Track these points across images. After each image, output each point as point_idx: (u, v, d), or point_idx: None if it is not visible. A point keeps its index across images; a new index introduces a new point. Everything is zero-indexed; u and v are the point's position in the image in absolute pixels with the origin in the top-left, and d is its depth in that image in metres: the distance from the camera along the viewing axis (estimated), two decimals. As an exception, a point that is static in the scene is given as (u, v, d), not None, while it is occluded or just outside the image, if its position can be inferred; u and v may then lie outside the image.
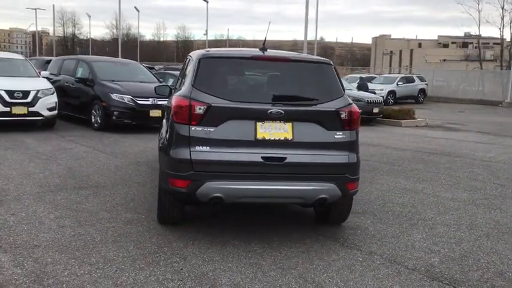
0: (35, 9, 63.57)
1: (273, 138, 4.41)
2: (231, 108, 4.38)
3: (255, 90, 4.62)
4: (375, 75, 34.90)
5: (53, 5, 62.57)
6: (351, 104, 4.72)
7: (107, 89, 11.85)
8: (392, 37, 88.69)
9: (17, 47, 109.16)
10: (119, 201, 5.86)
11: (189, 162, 4.34)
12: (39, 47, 79.09)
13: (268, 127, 4.42)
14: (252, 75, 4.80)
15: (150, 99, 11.56)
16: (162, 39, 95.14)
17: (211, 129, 4.35)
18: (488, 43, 68.18)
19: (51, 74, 14.09)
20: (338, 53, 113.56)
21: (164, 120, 5.45)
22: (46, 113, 11.34)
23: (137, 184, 6.74)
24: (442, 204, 6.46)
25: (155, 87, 6.70)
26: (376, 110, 17.21)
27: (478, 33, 41.66)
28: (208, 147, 4.35)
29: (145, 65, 23.51)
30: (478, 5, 47.23)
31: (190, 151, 4.35)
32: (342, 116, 4.57)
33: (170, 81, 13.67)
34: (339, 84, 4.79)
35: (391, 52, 78.91)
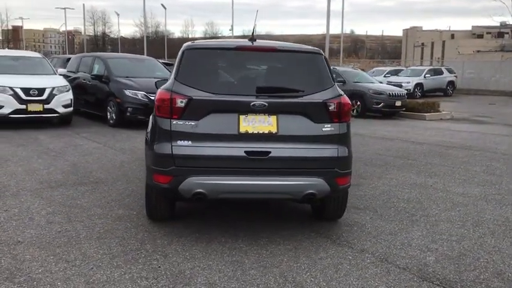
0: (64, 8, 64.85)
1: (256, 132, 4.25)
2: (213, 101, 4.24)
3: (239, 82, 4.46)
4: (402, 68, 34.12)
5: (83, 4, 63.61)
6: (341, 95, 4.51)
7: (121, 85, 11.88)
8: (424, 29, 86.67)
9: (50, 46, 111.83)
10: (115, 197, 5.81)
11: (170, 157, 4.23)
12: (70, 46, 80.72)
13: (252, 120, 4.26)
14: (237, 66, 4.62)
15: None
16: (190, 36, 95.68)
17: (192, 123, 4.22)
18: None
19: (69, 71, 14.29)
20: (368, 46, 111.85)
21: (151, 116, 5.36)
22: (61, 110, 11.45)
23: (138, 180, 6.68)
24: (450, 200, 6.17)
25: (156, 82, 6.63)
26: (398, 103, 16.76)
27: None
28: (190, 142, 4.23)
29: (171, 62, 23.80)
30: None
31: (171, 146, 4.24)
32: (330, 107, 4.36)
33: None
34: (329, 74, 4.58)
35: (423, 44, 77.11)
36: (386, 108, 16.65)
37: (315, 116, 4.33)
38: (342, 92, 4.60)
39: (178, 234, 4.62)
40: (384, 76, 29.83)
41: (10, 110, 10.81)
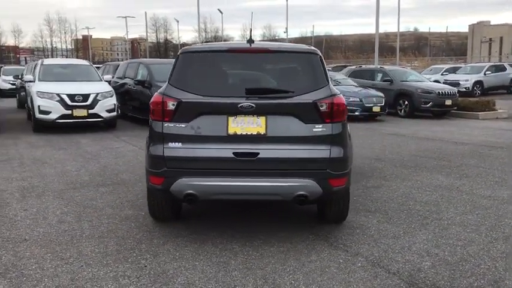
0: (125, 17, 67.53)
1: (245, 133, 4.25)
2: (202, 103, 4.29)
3: (229, 84, 4.48)
4: (461, 66, 32.65)
5: (145, 13, 66.10)
6: (335, 95, 4.41)
7: None
8: (492, 23, 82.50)
9: (117, 54, 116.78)
10: (130, 198, 6.00)
11: (162, 159, 4.32)
12: (135, 53, 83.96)
13: (241, 121, 4.27)
14: (229, 68, 4.64)
15: None
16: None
17: (182, 125, 4.30)
18: None
19: (117, 77, 14.88)
20: (432, 44, 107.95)
21: None
22: (105, 114, 11.95)
23: (158, 181, 6.84)
24: (473, 203, 5.86)
25: None
26: (448, 102, 16.07)
27: None
28: (180, 144, 4.30)
29: None
30: None
31: (163, 148, 4.33)
32: (321, 108, 4.29)
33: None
34: (323, 74, 4.49)
35: (490, 39, 73.46)
36: (436, 108, 16.02)
37: (305, 116, 4.28)
38: (337, 92, 4.50)
39: (176, 234, 4.71)
40: (442, 74, 28.74)
41: (57, 116, 11.43)
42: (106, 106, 11.99)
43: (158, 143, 4.37)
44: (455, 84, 25.33)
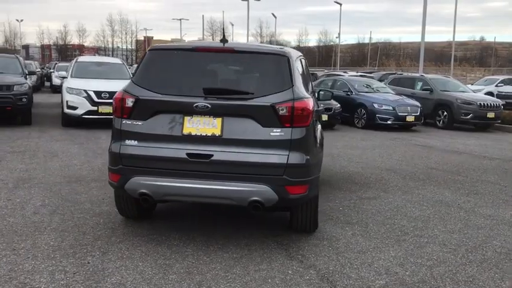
0: (180, 19, 68.90)
1: (199, 134, 4.14)
2: (159, 101, 4.22)
3: (189, 83, 4.36)
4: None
5: (202, 16, 67.31)
6: (298, 98, 4.20)
7: None
8: None
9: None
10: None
11: (118, 156, 4.30)
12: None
13: (197, 122, 4.16)
14: (192, 67, 4.51)
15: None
16: (303, 44, 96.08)
17: (139, 123, 4.25)
18: None
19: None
20: (498, 54, 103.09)
21: None
22: (130, 112, 12.15)
23: (152, 180, 6.85)
24: (466, 221, 5.46)
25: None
26: (491, 115, 15.23)
27: None
28: (136, 141, 4.25)
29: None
30: None
31: (120, 145, 4.30)
32: (280, 111, 4.10)
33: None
34: (288, 77, 4.30)
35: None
36: (476, 120, 15.22)
37: (264, 119, 4.11)
38: (303, 96, 4.30)
39: (138, 233, 4.66)
40: (496, 85, 27.31)
41: (83, 111, 11.77)
42: (132, 104, 12.18)
43: (117, 139, 4.35)
44: (510, 96, 24.07)
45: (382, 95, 15.28)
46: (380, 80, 20.38)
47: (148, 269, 3.88)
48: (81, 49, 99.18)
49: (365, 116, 14.66)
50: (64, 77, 13.22)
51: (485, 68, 67.26)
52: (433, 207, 6.03)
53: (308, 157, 4.27)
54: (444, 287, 3.74)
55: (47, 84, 31.75)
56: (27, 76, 13.12)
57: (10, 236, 4.47)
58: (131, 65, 36.54)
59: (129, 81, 4.50)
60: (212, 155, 4.10)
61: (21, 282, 3.57)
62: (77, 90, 11.85)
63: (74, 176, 6.95)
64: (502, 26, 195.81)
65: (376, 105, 14.48)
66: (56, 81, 25.35)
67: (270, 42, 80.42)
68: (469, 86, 22.12)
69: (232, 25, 73.07)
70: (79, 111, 11.77)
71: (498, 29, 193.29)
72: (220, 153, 4.10)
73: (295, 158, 4.15)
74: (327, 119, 13.73)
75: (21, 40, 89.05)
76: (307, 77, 5.50)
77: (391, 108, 14.40)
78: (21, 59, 14.45)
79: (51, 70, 31.52)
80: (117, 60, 15.02)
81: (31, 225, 4.78)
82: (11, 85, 11.76)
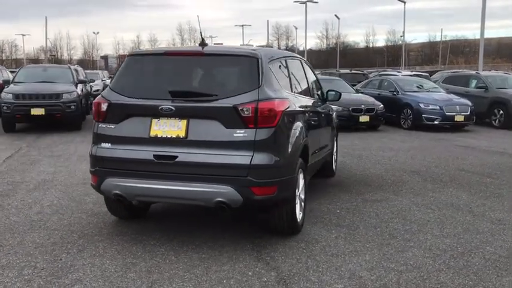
0: (242, 26, 69.80)
1: (165, 136, 4.23)
2: (128, 104, 4.36)
3: (158, 87, 4.44)
4: None
5: (267, 21, 67.96)
6: (264, 99, 4.17)
7: None
8: None
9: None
10: (121, 196, 6.26)
11: (95, 158, 4.49)
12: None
13: (163, 124, 4.25)
14: (163, 71, 4.59)
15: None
16: (371, 45, 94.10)
17: (112, 126, 4.41)
18: None
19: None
20: None
21: None
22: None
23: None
24: (468, 226, 5.15)
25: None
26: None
27: None
28: (109, 144, 4.42)
29: (356, 71, 23.72)
30: None
31: (97, 147, 4.49)
32: (242, 112, 4.09)
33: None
34: (256, 78, 4.27)
35: None
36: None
37: (227, 121, 4.12)
38: (272, 96, 4.26)
39: (122, 232, 4.82)
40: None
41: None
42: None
43: (94, 143, 4.55)
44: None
45: (430, 95, 14.66)
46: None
47: (113, 267, 4.01)
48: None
49: (411, 116, 14.13)
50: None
51: None
52: (440, 210, 5.73)
53: (277, 158, 4.23)
54: (404, 293, 3.57)
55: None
56: (78, 85, 13.87)
57: (3, 234, 4.78)
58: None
59: (107, 87, 4.68)
60: (177, 157, 4.17)
61: (-9, 276, 3.83)
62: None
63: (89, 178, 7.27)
64: None
65: (422, 105, 13.91)
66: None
67: (336, 44, 79.44)
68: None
69: (296, 28, 72.98)
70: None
71: None
72: (184, 155, 4.17)
73: (261, 158, 4.13)
74: (368, 120, 13.42)
75: (97, 51, 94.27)
76: (296, 78, 5.44)
77: (438, 107, 13.77)
78: (73, 68, 15.30)
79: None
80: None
81: (28, 224, 5.09)
82: (60, 93, 12.53)
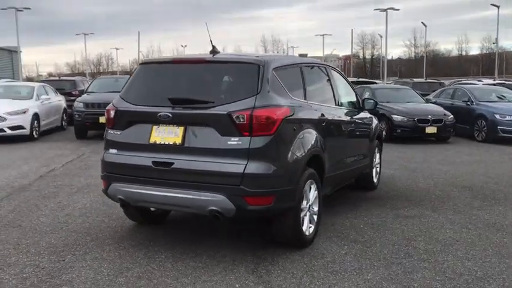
0: (323, 35, 69.00)
1: (163, 143, 4.24)
2: (132, 112, 4.44)
3: (159, 94, 4.43)
4: None
5: (352, 30, 67.15)
6: (262, 107, 4.05)
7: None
8: None
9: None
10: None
11: (103, 164, 4.61)
12: (345, 70, 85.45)
13: (162, 131, 4.27)
14: (169, 79, 4.59)
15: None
16: (464, 53, 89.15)
17: (118, 133, 4.51)
18: None
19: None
20: None
21: None
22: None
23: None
24: (500, 248, 4.69)
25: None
26: None
27: None
28: (115, 150, 4.52)
29: (431, 80, 23.23)
30: None
31: (105, 153, 4.61)
32: (237, 120, 4.00)
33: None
34: (256, 85, 4.16)
35: None
36: None
37: (222, 128, 4.06)
38: (271, 103, 4.13)
39: (133, 238, 4.90)
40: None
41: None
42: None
43: (105, 148, 4.67)
44: None
45: (508, 105, 13.54)
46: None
47: (107, 271, 4.08)
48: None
49: (485, 128, 13.13)
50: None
51: None
52: (476, 230, 5.23)
53: (275, 167, 4.09)
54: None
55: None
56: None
57: (27, 234, 5.04)
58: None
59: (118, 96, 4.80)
60: (173, 163, 4.17)
61: (-6, 273, 4.04)
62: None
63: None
64: None
65: (497, 116, 12.88)
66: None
67: (426, 53, 76.30)
68: None
69: (381, 37, 70.84)
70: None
71: None
72: (180, 162, 4.16)
73: (256, 167, 4.01)
74: (435, 131, 12.69)
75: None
76: (314, 86, 5.26)
77: (516, 118, 12.67)
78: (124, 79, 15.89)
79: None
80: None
81: (52, 225, 5.33)
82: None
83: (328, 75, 5.70)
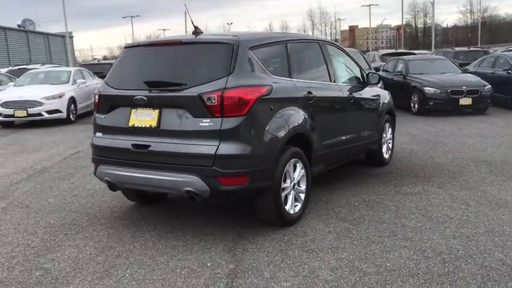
0: (369, 5, 66.64)
1: (141, 126, 4.32)
2: (112, 96, 4.53)
3: (137, 78, 4.47)
4: None
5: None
6: (232, 87, 4.02)
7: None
8: None
9: (382, 42, 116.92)
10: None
11: (92, 147, 4.76)
12: (397, 41, 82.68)
13: (139, 114, 4.34)
14: (148, 61, 4.59)
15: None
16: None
17: (102, 117, 4.63)
18: None
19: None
20: None
21: None
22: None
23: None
24: (494, 226, 4.49)
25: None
26: None
27: None
28: (101, 133, 4.65)
29: (475, 48, 21.14)
30: None
31: (93, 137, 4.76)
32: (208, 101, 4.00)
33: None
34: (228, 65, 4.12)
35: None
36: None
37: (194, 110, 4.07)
38: (242, 84, 4.10)
39: (128, 217, 5.06)
40: None
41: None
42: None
43: (93, 132, 4.82)
44: None
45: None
46: None
47: (90, 250, 4.25)
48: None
49: (526, 98, 12.42)
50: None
51: None
52: (476, 207, 5.02)
53: (249, 147, 4.08)
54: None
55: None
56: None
57: (29, 213, 5.32)
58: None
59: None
60: (149, 146, 4.25)
61: (-13, 251, 4.30)
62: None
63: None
64: None
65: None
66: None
67: (483, 18, 72.42)
68: None
69: (432, 4, 67.82)
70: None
71: None
72: (156, 144, 4.23)
73: (228, 148, 4.02)
74: (470, 102, 12.14)
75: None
76: (303, 63, 5.16)
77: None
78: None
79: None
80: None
81: (57, 205, 5.59)
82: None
83: (322, 51, 5.56)
